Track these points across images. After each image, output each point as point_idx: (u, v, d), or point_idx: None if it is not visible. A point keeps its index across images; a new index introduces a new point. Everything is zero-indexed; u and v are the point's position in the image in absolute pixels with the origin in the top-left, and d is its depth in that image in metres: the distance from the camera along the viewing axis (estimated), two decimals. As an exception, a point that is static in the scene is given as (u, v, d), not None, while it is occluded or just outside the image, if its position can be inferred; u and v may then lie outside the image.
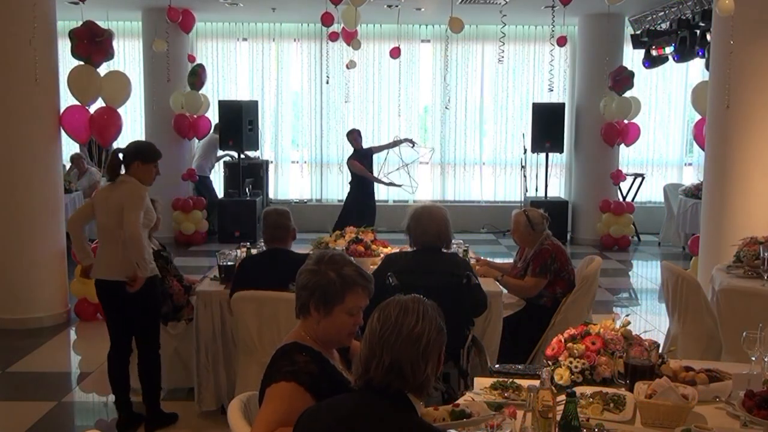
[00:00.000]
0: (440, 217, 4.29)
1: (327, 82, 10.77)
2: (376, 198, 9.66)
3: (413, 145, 9.82)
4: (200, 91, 10.51)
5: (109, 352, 4.58)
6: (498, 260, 10.09)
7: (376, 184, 9.54)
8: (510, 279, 4.99)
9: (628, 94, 10.53)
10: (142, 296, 4.39)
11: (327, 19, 7.17)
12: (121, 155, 4.48)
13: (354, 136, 9.34)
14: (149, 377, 4.57)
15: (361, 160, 9.20)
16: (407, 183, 10.24)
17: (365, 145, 9.69)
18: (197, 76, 10.32)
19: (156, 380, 4.61)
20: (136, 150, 4.50)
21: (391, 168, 10.42)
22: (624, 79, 10.41)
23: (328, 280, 2.49)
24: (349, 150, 9.49)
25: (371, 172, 9.36)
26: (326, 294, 2.49)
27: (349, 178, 9.44)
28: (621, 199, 11.12)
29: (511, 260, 5.74)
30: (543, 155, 11.14)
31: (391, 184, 9.95)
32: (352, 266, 2.55)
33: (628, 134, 10.74)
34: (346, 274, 2.51)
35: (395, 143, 9.83)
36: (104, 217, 4.45)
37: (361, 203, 9.20)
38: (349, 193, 9.44)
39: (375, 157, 9.61)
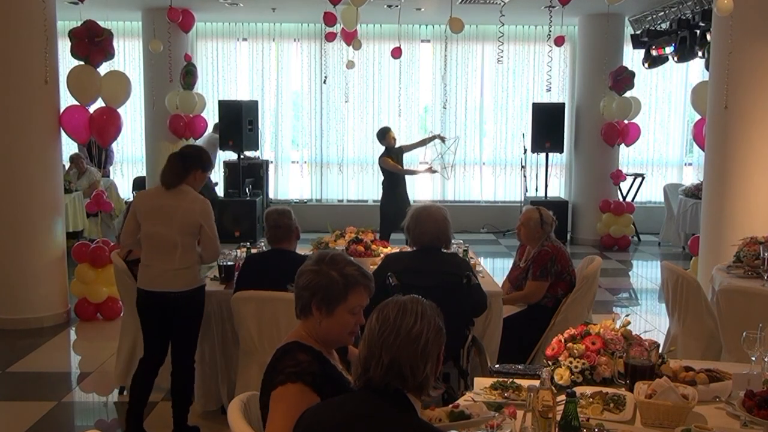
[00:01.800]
0: (440, 217, 4.28)
1: (324, 82, 10.76)
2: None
3: (444, 141, 9.51)
4: (196, 91, 10.48)
5: (143, 359, 4.40)
6: (498, 260, 10.17)
7: (407, 185, 8.90)
8: (511, 296, 4.95)
9: (628, 94, 10.53)
10: (192, 305, 4.30)
11: (329, 19, 7.16)
12: (181, 160, 4.27)
13: (390, 134, 8.71)
14: (185, 391, 4.38)
15: (393, 158, 8.65)
16: (441, 169, 9.85)
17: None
18: (193, 76, 10.31)
19: (191, 394, 4.45)
20: (200, 157, 4.33)
21: (426, 160, 10.07)
22: (624, 79, 10.41)
23: (330, 279, 2.50)
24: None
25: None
26: (329, 294, 2.49)
27: (381, 179, 8.84)
28: (621, 199, 11.12)
29: (510, 260, 5.74)
30: (543, 155, 11.14)
31: (427, 170, 9.42)
32: (353, 266, 2.56)
33: (628, 134, 10.74)
34: (348, 274, 2.51)
35: (426, 140, 9.31)
36: (164, 227, 4.20)
37: (394, 205, 8.40)
38: (382, 196, 8.78)
39: (405, 156, 9.03)
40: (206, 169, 4.35)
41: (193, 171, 4.27)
